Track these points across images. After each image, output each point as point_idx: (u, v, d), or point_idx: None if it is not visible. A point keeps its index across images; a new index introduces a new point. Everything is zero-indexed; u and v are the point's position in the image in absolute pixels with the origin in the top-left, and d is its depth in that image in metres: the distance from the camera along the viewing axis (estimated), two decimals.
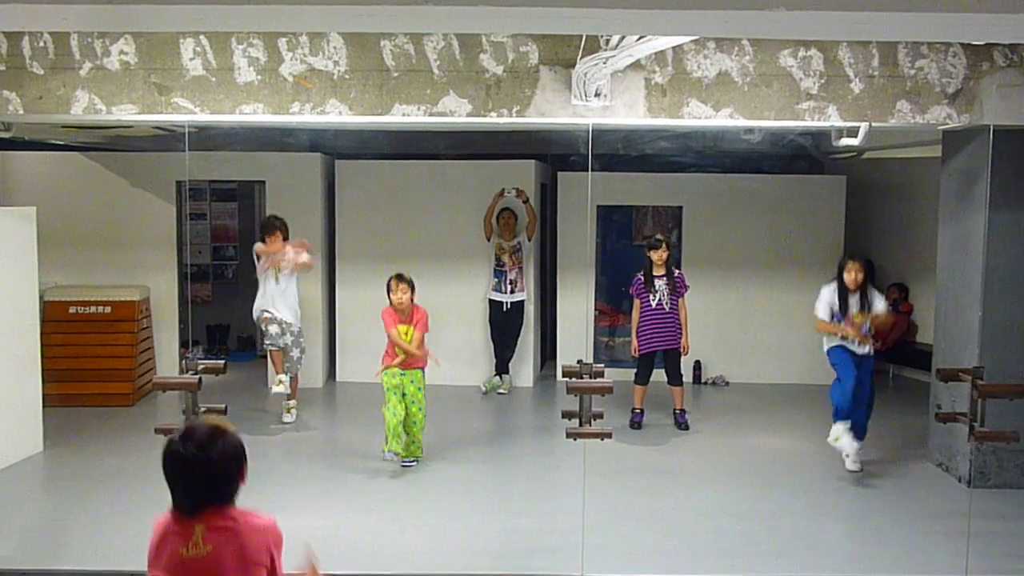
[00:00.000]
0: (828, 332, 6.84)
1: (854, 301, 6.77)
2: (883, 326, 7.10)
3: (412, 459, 6.92)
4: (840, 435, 6.74)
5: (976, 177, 6.47)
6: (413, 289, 6.82)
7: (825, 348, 6.92)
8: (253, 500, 2.89)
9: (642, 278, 8.02)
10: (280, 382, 8.07)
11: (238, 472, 2.78)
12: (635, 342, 8.05)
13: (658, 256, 7.93)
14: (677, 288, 7.99)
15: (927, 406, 7.15)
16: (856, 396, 6.73)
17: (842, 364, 6.76)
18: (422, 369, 6.86)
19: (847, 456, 6.78)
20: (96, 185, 9.49)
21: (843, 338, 6.76)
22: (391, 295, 6.78)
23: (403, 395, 6.76)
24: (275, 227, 8.04)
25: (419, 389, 6.82)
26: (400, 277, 6.81)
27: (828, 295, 6.85)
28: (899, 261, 10.51)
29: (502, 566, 5.26)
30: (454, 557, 5.37)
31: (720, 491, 6.55)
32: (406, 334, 6.77)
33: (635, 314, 8.06)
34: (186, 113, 5.99)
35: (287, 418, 8.16)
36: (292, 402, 8.19)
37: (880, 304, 6.84)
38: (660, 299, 7.94)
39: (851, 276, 6.75)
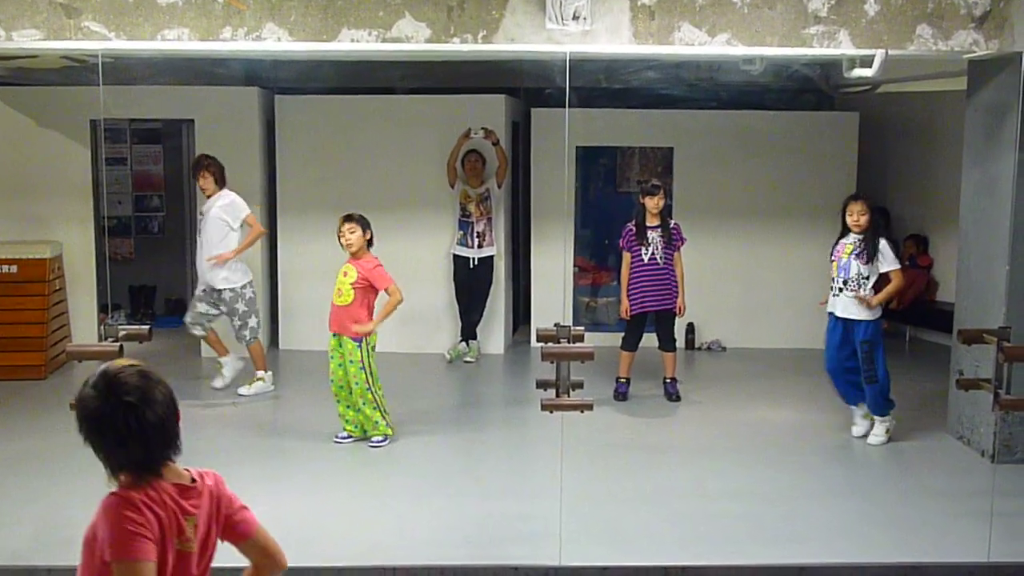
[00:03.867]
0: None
1: (850, 241, 6.88)
2: (890, 294, 7.00)
3: (381, 438, 6.92)
4: (856, 420, 7.17)
5: (1006, 113, 6.48)
6: (365, 228, 6.78)
7: None
8: None
9: (633, 229, 7.98)
10: (260, 377, 8.18)
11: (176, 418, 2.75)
12: (625, 302, 8.03)
13: (654, 203, 7.89)
14: (673, 241, 7.98)
15: (947, 372, 7.25)
16: (851, 368, 6.97)
17: (827, 332, 7.07)
18: (358, 343, 6.72)
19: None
20: None
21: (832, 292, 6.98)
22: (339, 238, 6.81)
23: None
24: (204, 167, 7.97)
25: (351, 362, 6.74)
26: (348, 217, 6.80)
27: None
28: (917, 209, 10.58)
29: (470, 555, 5.29)
30: (416, 547, 5.39)
31: (716, 469, 6.62)
32: (345, 274, 6.76)
33: (624, 270, 8.04)
34: (99, 39, 5.86)
35: (244, 390, 8.13)
36: (260, 372, 8.23)
37: (887, 261, 6.86)
38: (653, 253, 7.92)
39: (852, 219, 6.86)
